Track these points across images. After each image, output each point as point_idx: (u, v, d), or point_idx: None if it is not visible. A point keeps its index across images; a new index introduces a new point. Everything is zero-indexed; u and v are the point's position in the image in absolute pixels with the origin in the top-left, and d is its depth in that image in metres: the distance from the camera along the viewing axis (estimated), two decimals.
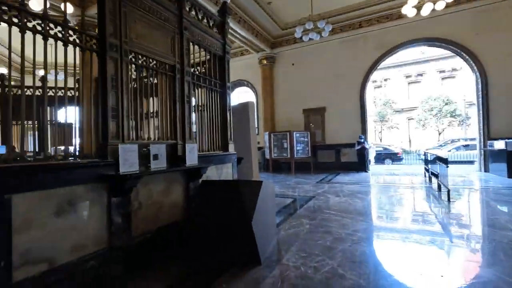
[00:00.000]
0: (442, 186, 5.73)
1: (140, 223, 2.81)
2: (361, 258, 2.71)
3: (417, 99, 27.77)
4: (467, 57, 8.80)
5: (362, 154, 9.88)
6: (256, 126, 13.55)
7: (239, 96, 16.15)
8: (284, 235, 3.45)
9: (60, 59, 2.20)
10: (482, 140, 8.60)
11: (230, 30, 9.54)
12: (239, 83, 13.13)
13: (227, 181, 3.78)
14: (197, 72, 4.05)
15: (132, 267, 2.59)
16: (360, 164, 9.97)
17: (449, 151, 15.10)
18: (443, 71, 27.05)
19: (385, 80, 29.92)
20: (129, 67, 2.89)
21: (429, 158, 7.61)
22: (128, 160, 2.64)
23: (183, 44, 3.56)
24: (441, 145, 17.17)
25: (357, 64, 10.33)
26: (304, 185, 7.42)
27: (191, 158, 3.44)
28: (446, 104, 21.47)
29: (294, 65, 11.61)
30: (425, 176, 8.10)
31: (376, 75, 28.18)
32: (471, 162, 12.77)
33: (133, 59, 2.92)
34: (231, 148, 4.61)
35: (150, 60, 3.14)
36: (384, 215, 4.37)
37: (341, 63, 10.62)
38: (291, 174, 9.99)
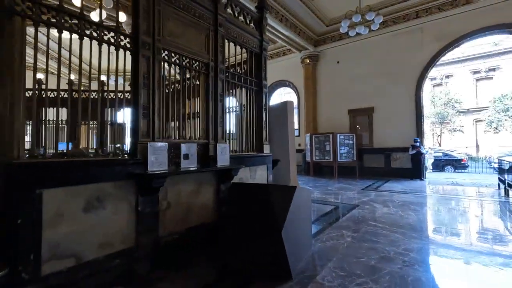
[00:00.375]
0: None
1: (169, 223, 2.76)
2: (414, 285, 2.24)
3: (487, 98, 24.10)
4: None
5: (418, 159, 8.77)
6: (297, 127, 13.18)
7: (282, 97, 15.87)
8: (322, 248, 3.09)
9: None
10: None
11: (271, 29, 9.37)
12: (281, 83, 12.88)
13: (259, 184, 3.57)
14: (231, 70, 3.92)
15: (159, 266, 2.53)
16: (415, 171, 8.86)
17: None
18: None
19: (447, 77, 26.62)
20: (162, 65, 2.87)
21: (505, 167, 6.37)
22: (157, 159, 2.60)
23: (217, 41, 3.46)
24: None
25: (413, 60, 9.24)
26: (348, 191, 6.82)
27: (223, 159, 3.31)
28: None
29: (339, 63, 10.92)
30: (499, 188, 6.80)
31: (435, 72, 25.26)
32: None
33: (166, 57, 2.90)
34: (266, 149, 4.39)
35: (184, 58, 3.10)
36: (444, 232, 3.67)
37: (393, 59, 9.62)
38: (333, 179, 9.37)
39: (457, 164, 13.55)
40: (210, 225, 3.18)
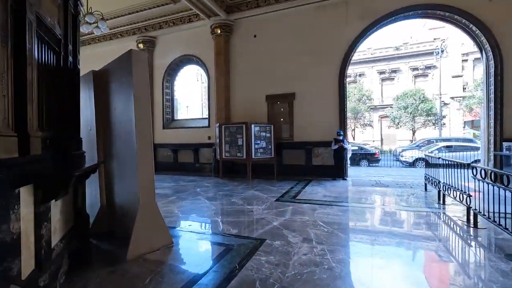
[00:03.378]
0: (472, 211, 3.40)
1: None
2: None
3: (390, 97, 26.75)
4: (476, 31, 6.72)
5: (340, 156, 7.49)
6: (206, 115, 10.35)
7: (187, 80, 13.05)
8: None
9: None
10: (492, 141, 6.58)
11: None
12: (186, 59, 10.10)
13: None
14: None
15: None
16: (337, 169, 7.57)
17: (431, 152, 13.47)
18: (416, 69, 26.20)
19: (360, 75, 28.53)
20: None
21: (432, 162, 5.36)
22: None
23: None
24: (418, 145, 15.66)
25: (337, 38, 7.87)
26: (258, 204, 4.74)
27: None
28: (422, 101, 20.20)
29: (256, 36, 8.87)
30: (425, 188, 5.84)
31: (350, 70, 26.65)
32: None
33: None
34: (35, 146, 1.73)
35: None
36: None
37: (317, 36, 8.09)
38: (246, 181, 7.30)
39: (371, 158, 13.53)
40: None
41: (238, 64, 9.10)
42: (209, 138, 9.46)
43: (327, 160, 7.95)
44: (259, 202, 4.92)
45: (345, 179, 7.46)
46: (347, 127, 26.98)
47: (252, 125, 7.73)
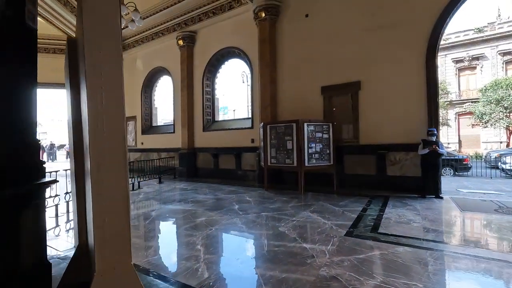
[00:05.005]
0: None
1: None
2: None
3: (470, 90, 22.11)
4: None
5: (433, 163, 5.31)
6: (249, 115, 8.92)
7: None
8: None
9: None
10: None
11: None
12: (227, 52, 8.95)
13: None
14: None
15: None
16: (427, 182, 5.41)
17: None
18: (509, 53, 21.05)
19: None
20: None
21: None
22: None
23: None
24: None
25: (420, 4, 5.76)
26: (320, 241, 3.10)
27: None
28: None
29: (308, 16, 7.22)
30: None
31: None
32: None
33: None
34: None
35: None
36: None
37: (391, 6, 6.09)
38: (297, 196, 5.68)
39: (458, 165, 10.55)
40: None
41: (286, 52, 7.56)
42: (253, 141, 8.09)
43: (408, 170, 5.84)
44: (321, 235, 3.27)
45: (441, 198, 5.25)
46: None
47: (305, 124, 6.08)
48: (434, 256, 2.63)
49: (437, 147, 5.15)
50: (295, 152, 6.11)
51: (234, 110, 30.28)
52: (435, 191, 5.34)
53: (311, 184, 6.56)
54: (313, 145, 6.16)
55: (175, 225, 4.07)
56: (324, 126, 6.35)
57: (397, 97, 5.99)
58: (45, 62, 8.27)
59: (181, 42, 9.54)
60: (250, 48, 8.19)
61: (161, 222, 4.15)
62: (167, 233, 3.85)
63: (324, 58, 6.91)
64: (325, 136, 6.32)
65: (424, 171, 5.44)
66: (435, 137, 5.26)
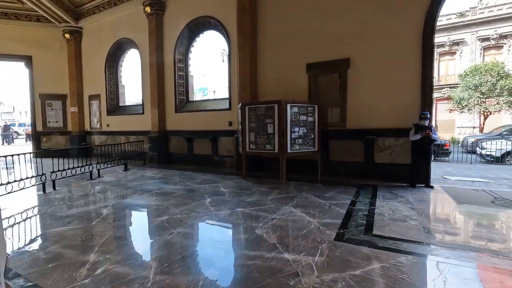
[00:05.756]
0: None
1: None
2: None
3: (449, 75, 22.37)
4: None
5: (425, 150, 4.89)
6: (227, 95, 7.92)
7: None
8: None
9: None
10: None
11: None
12: (201, 22, 7.89)
13: None
14: None
15: None
16: (416, 170, 5.00)
17: None
18: (487, 39, 21.28)
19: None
20: None
21: None
22: None
23: None
24: (501, 133, 12.04)
25: None
26: (306, 248, 2.53)
27: None
28: (502, 78, 15.82)
29: None
30: None
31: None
32: None
33: None
34: None
35: None
36: None
37: None
38: (278, 186, 5.09)
39: (439, 150, 10.47)
40: None
41: (269, 23, 6.68)
42: (230, 123, 7.33)
43: (398, 157, 5.41)
44: (306, 240, 2.69)
45: (431, 187, 4.88)
46: None
47: (288, 105, 5.39)
48: (447, 270, 2.13)
49: (430, 133, 4.70)
50: (276, 137, 5.45)
51: (214, 92, 29.01)
52: (425, 180, 4.96)
53: (294, 172, 6.01)
54: (296, 129, 5.52)
55: (126, 229, 3.20)
56: (309, 108, 5.70)
57: (388, 77, 5.42)
58: None
59: (148, 9, 8.28)
60: (228, 19, 7.20)
61: (110, 224, 3.30)
62: (114, 240, 2.85)
63: (311, 31, 6.14)
64: (310, 119, 5.70)
65: (415, 158, 5.01)
66: (428, 121, 4.79)
